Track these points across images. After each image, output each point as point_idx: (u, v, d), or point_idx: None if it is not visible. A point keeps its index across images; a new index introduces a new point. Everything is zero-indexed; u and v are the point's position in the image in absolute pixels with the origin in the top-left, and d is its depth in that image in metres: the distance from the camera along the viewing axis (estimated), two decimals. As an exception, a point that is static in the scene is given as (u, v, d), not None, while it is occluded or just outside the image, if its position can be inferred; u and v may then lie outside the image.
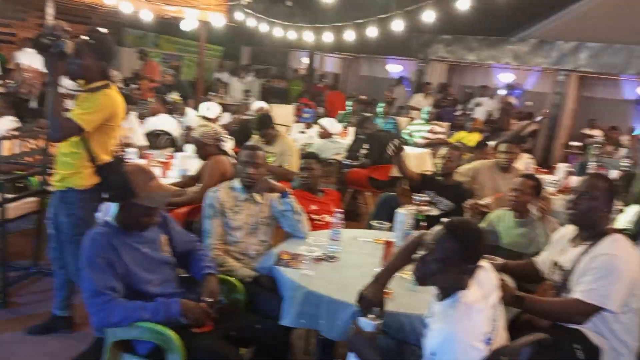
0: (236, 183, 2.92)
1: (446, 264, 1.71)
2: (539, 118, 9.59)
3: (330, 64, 15.22)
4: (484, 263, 1.81)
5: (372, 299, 1.98)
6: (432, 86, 11.13)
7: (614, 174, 5.04)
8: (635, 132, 10.10)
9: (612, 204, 2.36)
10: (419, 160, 6.59)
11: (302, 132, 7.39)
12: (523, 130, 8.17)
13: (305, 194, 3.54)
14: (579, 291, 2.19)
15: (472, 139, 7.17)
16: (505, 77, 12.67)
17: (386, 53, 12.86)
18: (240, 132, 6.16)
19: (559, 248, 2.50)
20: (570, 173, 5.11)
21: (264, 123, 4.89)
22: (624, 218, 3.35)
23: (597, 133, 9.08)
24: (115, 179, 2.22)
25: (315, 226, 3.17)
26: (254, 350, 2.33)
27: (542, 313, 2.28)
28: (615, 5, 9.74)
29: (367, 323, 1.81)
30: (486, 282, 1.76)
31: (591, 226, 2.34)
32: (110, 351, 2.12)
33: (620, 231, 2.43)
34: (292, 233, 2.89)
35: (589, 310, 2.16)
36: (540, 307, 2.26)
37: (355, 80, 14.61)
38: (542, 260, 2.56)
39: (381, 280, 2.06)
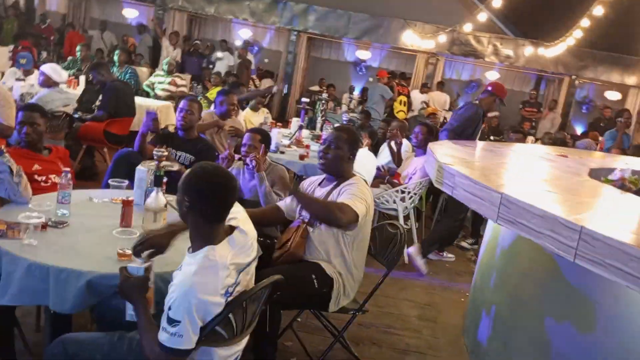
0: None
1: (190, 215, 1.73)
2: (274, 89, 10.18)
3: (55, 3, 13.29)
4: (240, 222, 1.82)
5: (154, 243, 1.87)
6: (174, 35, 10.73)
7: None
8: (355, 91, 11.62)
9: (354, 151, 2.68)
10: (160, 113, 6.33)
11: (21, 80, 6.35)
12: (265, 92, 8.57)
13: (26, 152, 3.06)
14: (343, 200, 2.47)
15: (214, 93, 7.21)
16: (244, 33, 13.00)
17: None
18: None
19: (311, 191, 2.76)
20: (301, 127, 5.57)
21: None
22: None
23: (323, 90, 10.09)
24: None
25: (40, 189, 2.80)
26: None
27: (314, 205, 2.54)
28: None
29: (136, 268, 1.74)
30: (240, 242, 1.77)
31: (338, 172, 2.66)
32: None
33: None
34: (11, 199, 2.49)
35: (347, 209, 2.42)
36: (313, 199, 2.55)
37: (87, 23, 13.11)
38: (287, 204, 2.76)
39: (173, 227, 1.95)
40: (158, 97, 7.15)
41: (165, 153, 2.63)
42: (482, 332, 2.96)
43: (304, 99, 6.91)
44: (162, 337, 1.61)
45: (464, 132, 4.61)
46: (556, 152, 4.27)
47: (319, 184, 2.77)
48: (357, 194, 2.50)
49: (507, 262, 2.89)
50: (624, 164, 3.63)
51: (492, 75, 12.53)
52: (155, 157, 2.57)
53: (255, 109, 6.17)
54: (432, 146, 3.32)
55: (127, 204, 2.32)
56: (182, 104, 3.82)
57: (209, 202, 1.70)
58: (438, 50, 11.41)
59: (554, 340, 2.28)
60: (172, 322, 1.59)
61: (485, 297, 3.09)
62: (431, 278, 4.37)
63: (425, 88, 11.00)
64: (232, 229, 1.79)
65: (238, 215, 1.85)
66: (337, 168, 2.65)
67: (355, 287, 2.62)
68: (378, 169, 4.95)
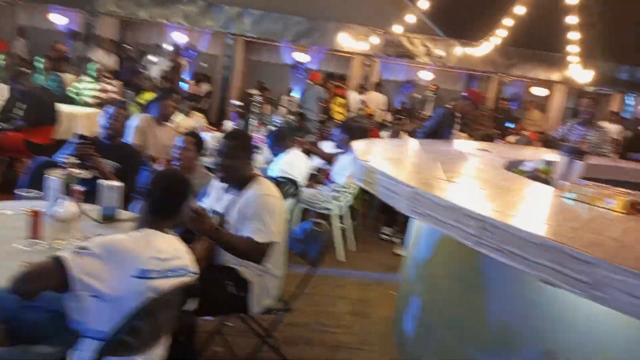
0: None
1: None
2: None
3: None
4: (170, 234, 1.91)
5: None
6: (107, 41, 10.39)
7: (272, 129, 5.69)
8: (293, 93, 11.64)
9: (249, 153, 2.65)
10: (88, 120, 6.13)
11: None
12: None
13: None
14: (249, 232, 2.42)
15: (148, 98, 7.04)
16: (179, 37, 12.76)
17: (48, 0, 11.39)
18: None
19: (215, 196, 2.72)
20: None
21: None
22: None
23: (257, 93, 10.09)
24: None
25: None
26: None
27: (230, 246, 2.45)
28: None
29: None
30: (161, 247, 1.79)
31: (237, 178, 2.62)
32: None
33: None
34: None
35: (263, 248, 2.42)
36: (229, 240, 2.43)
37: (9, 30, 12.48)
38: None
39: None
40: (87, 104, 6.91)
41: (76, 161, 2.55)
42: (408, 323, 3.04)
43: (234, 101, 6.86)
44: (64, 253, 1.65)
45: (436, 133, 5.25)
46: (480, 148, 4.44)
47: (225, 190, 2.72)
48: (267, 209, 2.46)
49: (429, 254, 2.98)
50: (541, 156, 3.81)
51: (425, 76, 12.86)
52: (63, 166, 2.49)
53: (187, 113, 6.08)
54: (354, 144, 3.38)
55: (35, 215, 2.23)
56: (109, 110, 3.73)
57: (160, 196, 1.90)
58: (373, 52, 11.61)
59: (473, 329, 2.37)
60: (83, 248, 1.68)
61: (411, 289, 3.17)
62: (366, 273, 4.44)
63: (362, 89, 11.17)
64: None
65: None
66: (236, 175, 2.61)
67: (278, 286, 2.63)
68: (317, 171, 5.00)
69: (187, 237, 2.78)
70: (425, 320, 2.83)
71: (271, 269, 2.57)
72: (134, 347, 1.67)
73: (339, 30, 11.31)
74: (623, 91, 12.34)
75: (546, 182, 2.96)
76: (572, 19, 7.22)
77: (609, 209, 2.11)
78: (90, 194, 2.68)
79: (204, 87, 10.95)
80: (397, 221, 5.33)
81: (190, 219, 2.26)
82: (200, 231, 2.37)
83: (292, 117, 7.38)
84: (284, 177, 4.06)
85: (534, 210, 2.15)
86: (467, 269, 2.47)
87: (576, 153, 2.65)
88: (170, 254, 1.81)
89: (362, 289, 4.13)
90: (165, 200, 1.91)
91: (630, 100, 12.59)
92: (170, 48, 11.68)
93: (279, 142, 4.40)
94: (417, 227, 3.30)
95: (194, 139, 3.40)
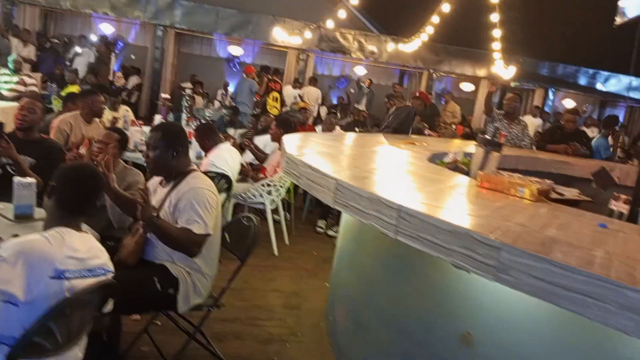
0: None
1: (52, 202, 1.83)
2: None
3: None
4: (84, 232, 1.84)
5: None
6: (23, 32, 9.81)
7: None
8: (230, 87, 11.49)
9: (178, 148, 2.59)
10: (4, 115, 5.77)
11: None
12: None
13: None
14: (185, 223, 2.38)
15: (73, 91, 6.73)
16: (106, 28, 12.28)
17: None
18: None
19: (153, 191, 2.67)
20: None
21: None
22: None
23: (190, 86, 9.90)
24: None
25: None
26: None
27: (168, 237, 2.38)
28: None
29: None
30: (77, 246, 1.73)
31: (166, 171, 2.57)
32: None
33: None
34: None
35: (200, 240, 2.39)
36: (168, 229, 2.36)
37: None
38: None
39: None
40: (3, 98, 6.51)
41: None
42: (338, 313, 3.09)
43: (163, 95, 6.69)
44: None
45: (399, 128, 5.90)
46: (408, 141, 4.57)
47: (160, 183, 2.69)
48: (201, 201, 2.43)
49: (357, 244, 3.04)
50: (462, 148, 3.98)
51: (359, 71, 13.06)
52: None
53: (114, 108, 5.86)
54: (284, 138, 3.38)
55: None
56: (22, 102, 3.53)
57: (68, 192, 1.83)
58: (308, 47, 11.65)
59: (397, 316, 2.44)
60: None
61: (341, 279, 3.23)
62: (299, 266, 4.47)
63: (297, 83, 11.19)
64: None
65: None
66: (164, 168, 2.57)
67: (208, 284, 2.60)
68: (242, 165, 4.96)
69: (112, 237, 2.73)
70: (354, 309, 2.90)
71: (202, 267, 2.53)
72: (47, 350, 1.61)
73: (273, 24, 11.26)
74: (545, 86, 13.07)
75: (466, 172, 3.10)
76: (494, 17, 7.55)
77: (520, 197, 2.24)
78: (4, 191, 2.55)
79: (133, 80, 10.59)
80: (332, 214, 5.40)
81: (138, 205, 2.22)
82: (141, 218, 2.31)
83: (225, 111, 7.27)
84: (214, 172, 4.01)
85: (450, 200, 2.24)
86: (389, 257, 2.54)
87: (493, 145, 2.78)
88: (86, 253, 1.75)
89: (296, 281, 4.15)
90: (74, 195, 1.83)
91: (551, 94, 13.35)
92: (97, 39, 11.22)
93: (209, 136, 4.33)
94: (346, 219, 3.36)
95: (116, 135, 3.28)
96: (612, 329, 1.31)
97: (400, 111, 6.49)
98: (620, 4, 3.43)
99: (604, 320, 1.33)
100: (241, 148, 5.26)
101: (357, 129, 7.72)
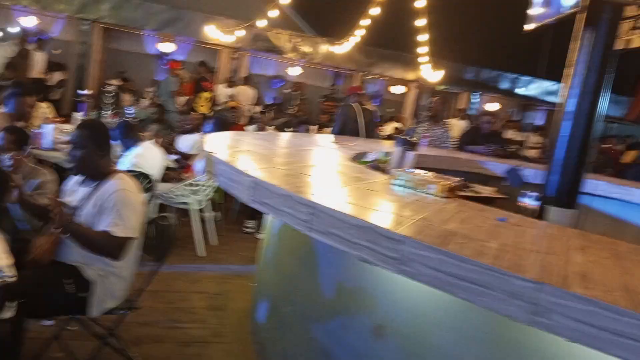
0: None
1: None
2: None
3: None
4: None
5: None
6: None
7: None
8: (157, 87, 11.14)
9: (104, 147, 2.51)
10: None
11: None
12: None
13: None
14: (106, 226, 2.30)
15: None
16: (27, 22, 11.60)
17: None
18: None
19: (70, 190, 2.58)
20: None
21: None
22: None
23: (117, 83, 9.56)
24: None
25: None
26: None
27: (87, 240, 2.31)
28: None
29: None
30: None
31: (91, 170, 2.49)
32: None
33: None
34: None
35: (122, 243, 2.32)
36: (85, 233, 2.30)
37: None
38: None
39: None
40: None
41: None
42: (261, 312, 3.09)
43: (82, 91, 6.41)
44: None
45: (345, 128, 5.92)
46: (338, 140, 4.63)
47: (81, 183, 2.60)
48: (126, 204, 2.38)
49: (277, 243, 3.06)
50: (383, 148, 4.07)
51: (294, 71, 13.09)
52: None
53: (31, 104, 5.55)
54: (207, 137, 3.34)
55: None
56: None
57: None
58: (241, 46, 11.53)
59: (316, 312, 2.47)
60: None
61: (263, 278, 3.23)
62: (226, 267, 4.43)
63: (231, 82, 11.05)
64: None
65: None
66: (88, 168, 2.50)
67: (124, 287, 2.52)
68: (176, 164, 4.86)
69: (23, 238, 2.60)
70: (274, 306, 2.90)
71: (118, 269, 2.46)
72: None
73: (204, 21, 11.07)
74: (469, 90, 13.65)
75: (384, 171, 3.18)
76: (420, 22, 7.79)
77: (430, 194, 2.32)
78: None
79: (57, 76, 10.08)
80: (261, 214, 5.38)
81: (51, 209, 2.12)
82: (57, 222, 2.20)
83: (152, 108, 7.08)
84: (135, 171, 3.89)
85: (362, 197, 2.29)
86: (305, 253, 2.57)
87: (408, 144, 2.87)
88: None
89: (221, 282, 4.10)
90: None
91: (475, 98, 13.95)
92: (17, 32, 10.60)
93: (128, 134, 4.20)
94: (270, 218, 3.36)
95: (12, 134, 3.14)
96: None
97: (342, 111, 6.49)
98: (529, 12, 3.63)
99: (494, 308, 1.41)
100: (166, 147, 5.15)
101: (285, 129, 7.74)
